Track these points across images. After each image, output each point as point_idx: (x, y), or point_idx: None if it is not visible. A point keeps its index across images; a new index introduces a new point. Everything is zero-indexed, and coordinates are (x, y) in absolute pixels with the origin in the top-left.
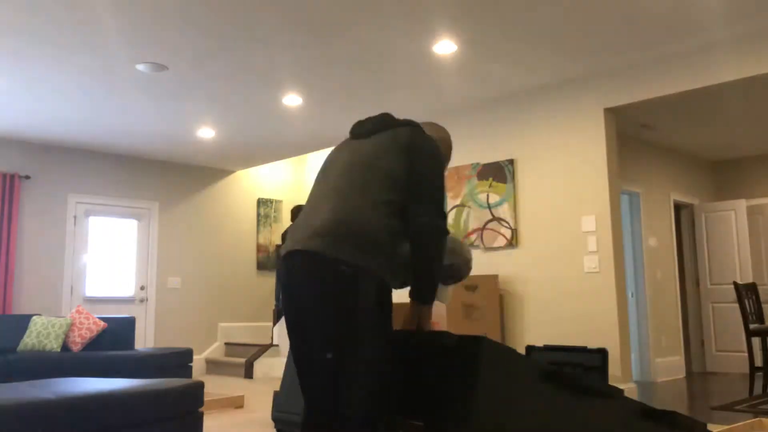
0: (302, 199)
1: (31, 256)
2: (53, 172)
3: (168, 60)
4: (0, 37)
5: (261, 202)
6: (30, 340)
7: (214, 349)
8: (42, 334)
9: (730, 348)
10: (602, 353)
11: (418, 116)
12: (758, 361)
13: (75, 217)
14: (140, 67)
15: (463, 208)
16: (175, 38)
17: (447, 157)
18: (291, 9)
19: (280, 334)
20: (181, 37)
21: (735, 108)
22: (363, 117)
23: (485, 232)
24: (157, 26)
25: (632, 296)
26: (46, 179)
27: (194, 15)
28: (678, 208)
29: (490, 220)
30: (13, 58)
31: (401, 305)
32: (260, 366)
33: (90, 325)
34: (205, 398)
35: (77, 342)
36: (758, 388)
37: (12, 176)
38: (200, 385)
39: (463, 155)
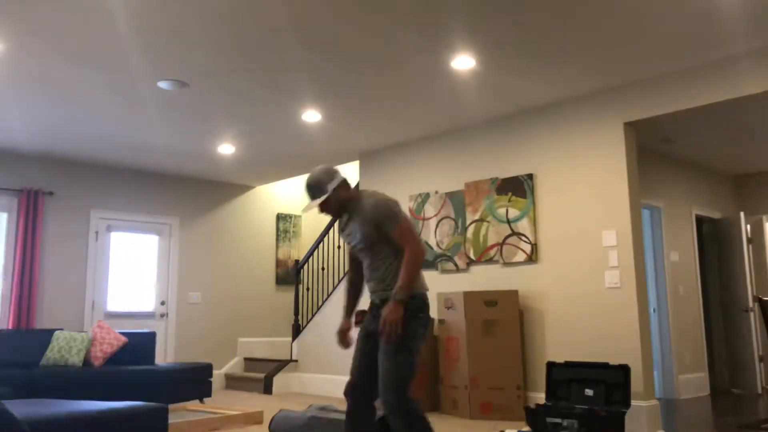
0: (321, 215)
1: (54, 271)
2: (76, 189)
3: (189, 77)
4: (24, 57)
5: (280, 217)
6: (52, 354)
7: (233, 364)
8: (64, 348)
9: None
10: (624, 370)
11: (437, 131)
12: None
13: (97, 232)
14: (162, 84)
15: (482, 223)
16: (195, 56)
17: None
18: (310, 27)
19: (299, 349)
20: (202, 55)
21: (757, 121)
22: (381, 132)
23: (505, 247)
24: (178, 44)
25: (654, 312)
26: (68, 195)
27: (215, 33)
28: (700, 222)
29: (510, 235)
30: (36, 76)
31: None
32: (279, 381)
33: (111, 340)
34: (225, 413)
35: (98, 357)
36: None
37: (36, 192)
38: (163, 410)
39: (481, 170)
